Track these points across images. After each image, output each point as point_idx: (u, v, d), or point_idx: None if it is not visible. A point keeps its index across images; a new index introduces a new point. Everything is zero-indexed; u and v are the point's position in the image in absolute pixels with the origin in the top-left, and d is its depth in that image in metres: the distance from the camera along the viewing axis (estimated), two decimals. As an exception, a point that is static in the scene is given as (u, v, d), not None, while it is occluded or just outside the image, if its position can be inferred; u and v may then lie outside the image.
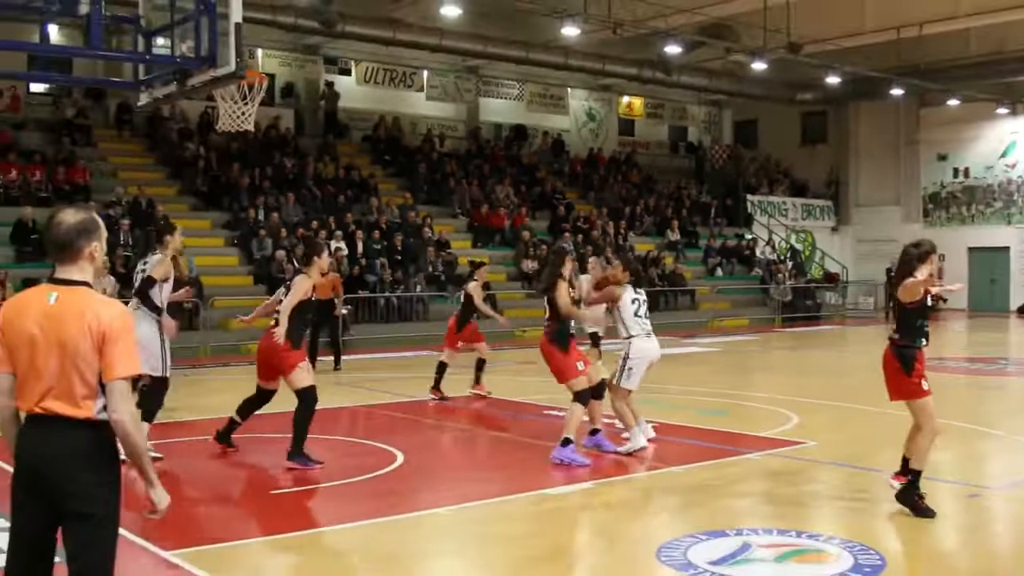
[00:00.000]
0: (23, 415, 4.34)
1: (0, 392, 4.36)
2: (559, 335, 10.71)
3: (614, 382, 10.96)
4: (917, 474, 8.27)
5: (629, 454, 10.75)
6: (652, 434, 11.45)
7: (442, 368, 15.35)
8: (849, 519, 8.28)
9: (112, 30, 16.86)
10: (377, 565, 7.18)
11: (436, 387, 15.21)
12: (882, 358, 8.54)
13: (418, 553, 7.56)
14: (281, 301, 10.72)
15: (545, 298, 10.80)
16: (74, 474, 4.19)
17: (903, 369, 8.34)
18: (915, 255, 8.48)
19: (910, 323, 8.42)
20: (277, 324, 10.41)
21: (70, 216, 4.39)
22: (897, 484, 8.45)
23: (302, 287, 10.59)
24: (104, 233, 4.47)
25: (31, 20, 12.16)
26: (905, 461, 8.53)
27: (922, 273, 8.32)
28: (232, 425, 11.11)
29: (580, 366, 10.69)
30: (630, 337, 11.09)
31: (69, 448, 4.21)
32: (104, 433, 4.26)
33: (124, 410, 4.22)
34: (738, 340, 27.54)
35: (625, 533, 7.95)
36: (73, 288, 4.31)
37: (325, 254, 11.05)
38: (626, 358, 11.00)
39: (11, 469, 4.37)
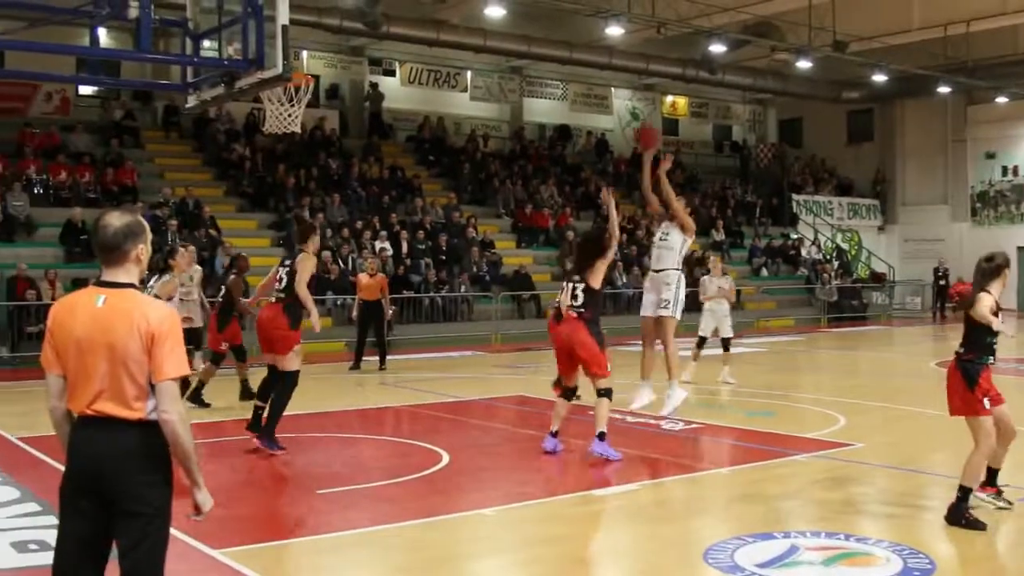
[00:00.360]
0: (74, 416, 4.37)
1: (52, 394, 4.42)
2: (597, 328, 10.66)
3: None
4: (966, 491, 8.02)
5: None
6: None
7: None
8: (898, 522, 8.22)
9: (160, 33, 17.02)
10: (424, 565, 7.20)
11: None
12: (947, 371, 8.34)
13: (465, 554, 7.58)
14: (281, 279, 10.97)
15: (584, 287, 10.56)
16: (127, 474, 4.23)
17: (967, 384, 8.16)
18: (987, 270, 8.21)
19: (979, 339, 8.23)
20: (278, 301, 10.82)
21: (116, 219, 4.43)
22: (984, 496, 8.29)
23: (308, 265, 10.88)
24: (149, 235, 4.52)
25: (81, 24, 12.27)
26: (991, 472, 8.38)
27: (995, 289, 8.14)
28: (258, 412, 11.14)
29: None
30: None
31: (122, 449, 4.25)
32: (155, 433, 4.29)
33: (173, 410, 4.26)
34: (784, 340, 27.40)
35: (672, 535, 7.92)
36: (120, 290, 4.36)
37: (318, 234, 11.35)
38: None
39: (62, 468, 4.42)
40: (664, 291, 12.00)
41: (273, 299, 11.08)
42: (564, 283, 10.74)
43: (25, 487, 8.93)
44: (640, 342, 12.76)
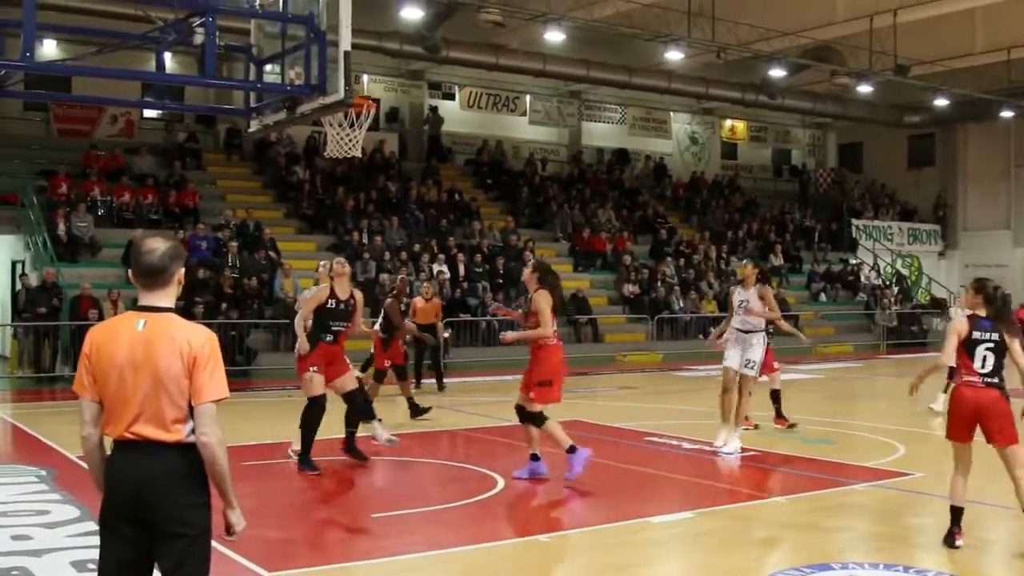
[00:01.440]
0: (110, 441, 4.40)
1: (87, 420, 4.44)
2: None
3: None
4: None
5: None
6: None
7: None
8: (958, 554, 8.09)
9: (224, 58, 17.25)
10: (479, 591, 7.21)
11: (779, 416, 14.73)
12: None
13: (519, 580, 7.57)
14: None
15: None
16: (167, 497, 4.25)
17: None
18: None
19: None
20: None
21: (160, 243, 4.48)
22: None
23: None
24: (185, 258, 4.58)
25: (147, 49, 12.47)
26: None
27: None
28: (351, 437, 11.61)
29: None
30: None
31: (162, 471, 4.27)
32: (194, 455, 4.31)
33: (212, 433, 4.28)
34: (842, 367, 27.14)
35: (728, 564, 7.87)
36: (161, 314, 4.39)
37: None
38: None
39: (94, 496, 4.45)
40: (749, 351, 12.59)
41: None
42: None
43: (85, 506, 9.03)
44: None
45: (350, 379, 11.45)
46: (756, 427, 14.22)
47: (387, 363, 15.39)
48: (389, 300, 15.92)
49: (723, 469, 11.61)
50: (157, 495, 4.24)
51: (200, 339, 4.34)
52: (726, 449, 12.29)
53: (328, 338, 11.19)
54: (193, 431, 4.30)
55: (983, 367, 8.09)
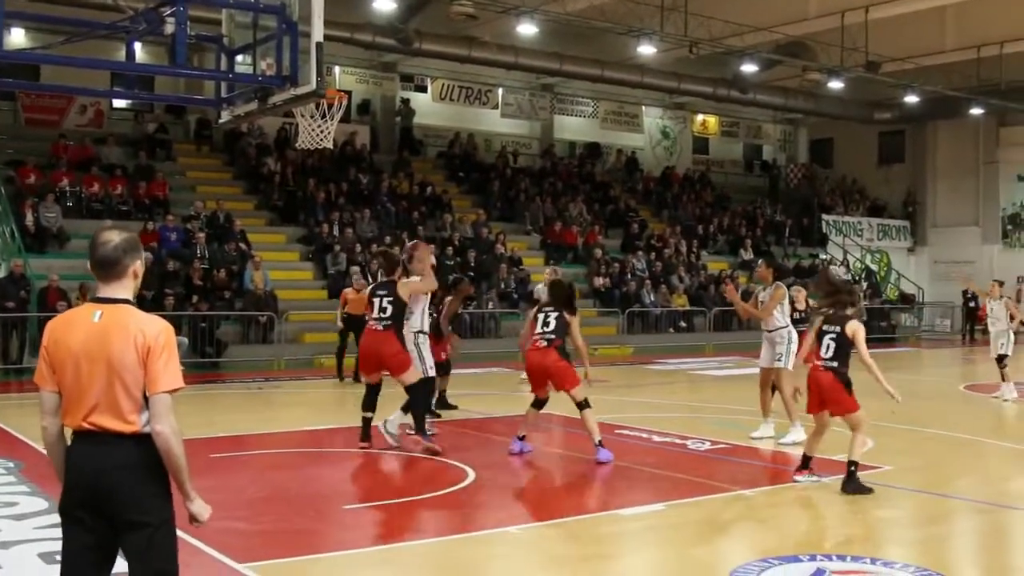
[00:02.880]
0: (69, 432, 4.42)
1: (47, 411, 4.45)
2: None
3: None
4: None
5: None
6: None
7: None
8: (925, 546, 8.16)
9: (195, 48, 17.15)
10: (448, 582, 7.22)
11: None
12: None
13: (489, 572, 7.58)
14: (385, 309, 11.82)
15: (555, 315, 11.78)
16: (127, 486, 4.27)
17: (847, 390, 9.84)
18: None
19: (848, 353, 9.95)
20: (385, 329, 11.69)
21: (115, 235, 4.53)
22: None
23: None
24: (142, 252, 4.61)
25: (116, 38, 12.38)
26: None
27: None
28: (367, 421, 11.97)
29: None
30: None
31: (120, 462, 4.29)
32: (151, 445, 4.31)
33: (167, 423, 4.28)
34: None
35: (697, 556, 7.90)
36: (116, 306, 4.41)
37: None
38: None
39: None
40: (777, 346, 12.92)
41: (381, 327, 11.70)
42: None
43: (52, 498, 8.96)
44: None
45: None
46: None
47: (443, 355, 15.18)
48: (452, 297, 15.88)
49: (693, 462, 11.65)
50: (115, 485, 4.26)
51: (154, 329, 4.35)
52: (787, 439, 12.60)
53: None
54: (149, 421, 4.32)
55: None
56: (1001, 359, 17.80)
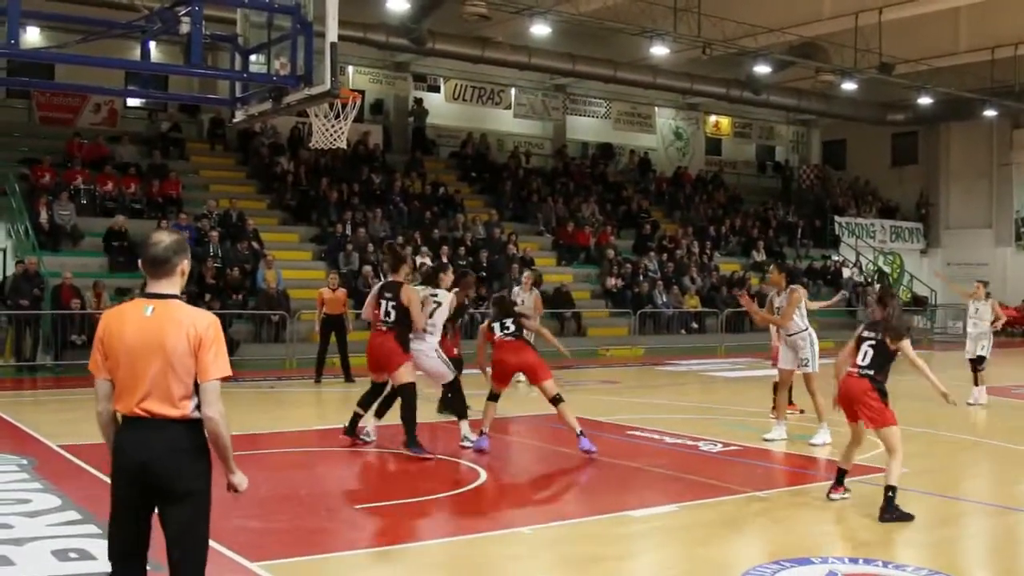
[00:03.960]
0: (120, 416, 4.85)
1: (99, 397, 4.89)
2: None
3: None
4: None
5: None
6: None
7: None
8: (936, 549, 8.16)
9: (209, 47, 17.20)
10: (461, 582, 7.23)
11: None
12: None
13: (502, 572, 7.59)
14: (389, 313, 11.77)
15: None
16: (177, 466, 4.73)
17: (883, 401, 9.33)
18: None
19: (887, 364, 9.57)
20: (388, 329, 11.73)
21: (166, 236, 4.95)
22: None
23: (414, 296, 11.88)
24: (189, 253, 5.03)
25: (132, 37, 12.42)
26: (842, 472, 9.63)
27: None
28: (356, 417, 12.15)
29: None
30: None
31: (169, 444, 4.73)
32: (197, 429, 4.80)
33: (216, 409, 4.77)
34: (824, 363, 27.10)
35: (709, 558, 7.90)
36: (167, 301, 4.84)
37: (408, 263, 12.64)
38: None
39: (101, 477, 4.72)
40: (801, 351, 13.02)
41: (383, 328, 11.75)
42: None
43: (66, 495, 9.02)
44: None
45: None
46: (802, 412, 14.82)
47: (456, 351, 15.19)
48: (456, 291, 15.84)
49: (705, 463, 11.64)
50: (164, 466, 4.71)
51: (205, 322, 4.81)
52: (815, 440, 12.64)
53: None
54: (197, 407, 4.77)
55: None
56: (980, 361, 17.50)
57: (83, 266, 23.31)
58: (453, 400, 12.49)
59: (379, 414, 12.23)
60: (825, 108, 38.20)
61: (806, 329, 12.97)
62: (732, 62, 32.59)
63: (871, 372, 9.27)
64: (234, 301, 23.67)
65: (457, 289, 12.89)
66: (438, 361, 12.07)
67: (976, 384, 17.36)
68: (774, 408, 14.02)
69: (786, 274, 13.27)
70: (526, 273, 20.89)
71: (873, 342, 9.34)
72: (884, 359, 9.32)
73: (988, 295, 18.10)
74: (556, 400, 11.82)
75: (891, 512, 8.75)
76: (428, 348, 11.99)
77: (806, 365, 12.90)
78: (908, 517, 8.76)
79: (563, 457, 12.08)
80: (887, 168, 44.59)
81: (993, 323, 17.61)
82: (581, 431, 11.70)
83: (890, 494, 8.82)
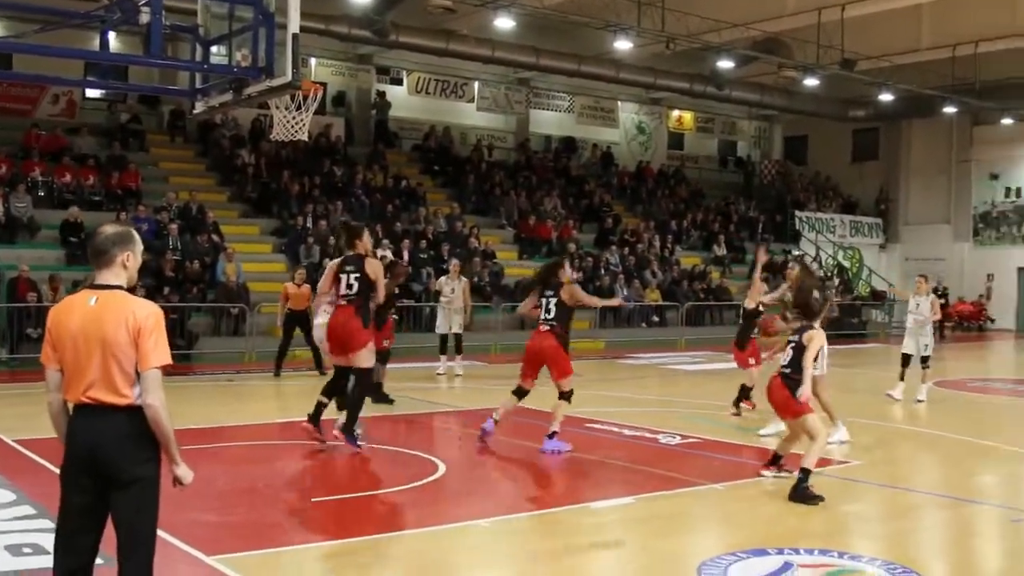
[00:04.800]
0: (71, 406, 4.95)
1: (51, 387, 5.00)
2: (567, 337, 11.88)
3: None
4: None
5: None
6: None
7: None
8: (892, 540, 8.24)
9: (169, 38, 17.06)
10: (419, 575, 7.22)
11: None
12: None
13: (459, 564, 7.59)
14: (351, 285, 11.47)
15: (555, 300, 11.84)
16: (123, 452, 4.81)
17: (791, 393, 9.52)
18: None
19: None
20: (349, 304, 11.39)
21: (109, 228, 5.09)
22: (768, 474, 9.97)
23: (377, 266, 11.73)
24: (139, 246, 5.11)
25: (91, 28, 12.32)
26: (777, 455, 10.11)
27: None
28: (320, 407, 11.63)
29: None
30: None
31: (116, 431, 4.82)
32: (143, 416, 4.85)
33: (156, 398, 4.83)
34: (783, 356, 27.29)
35: (666, 549, 7.94)
36: (110, 291, 4.94)
37: (367, 234, 12.24)
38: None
39: (56, 471, 4.84)
40: None
41: (344, 303, 11.39)
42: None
43: (20, 490, 8.95)
44: None
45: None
46: (753, 407, 14.37)
47: (385, 342, 15.00)
48: (387, 282, 15.74)
49: (663, 456, 11.70)
50: (112, 452, 4.80)
51: (144, 312, 4.89)
52: (833, 438, 12.32)
53: None
54: (141, 395, 4.83)
55: None
56: (925, 360, 17.08)
57: (40, 259, 23.07)
58: (358, 376, 11.64)
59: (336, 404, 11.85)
60: (787, 104, 38.40)
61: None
62: (695, 57, 32.70)
63: (788, 370, 9.66)
64: (193, 294, 23.53)
65: (387, 281, 12.50)
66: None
67: (922, 381, 17.03)
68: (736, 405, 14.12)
69: (807, 273, 13.15)
70: (454, 261, 20.89)
71: (794, 343, 9.75)
72: (799, 355, 9.66)
73: (928, 291, 17.77)
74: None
75: (799, 492, 9.13)
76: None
77: (815, 369, 12.66)
78: (816, 500, 9.06)
79: (523, 450, 12.09)
80: (848, 164, 44.92)
81: (933, 318, 17.30)
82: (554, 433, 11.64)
83: (801, 476, 9.21)
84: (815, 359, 9.66)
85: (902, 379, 17.02)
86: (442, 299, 20.12)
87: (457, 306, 19.85)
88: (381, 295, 11.56)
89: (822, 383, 12.64)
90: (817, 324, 9.80)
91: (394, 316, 20.39)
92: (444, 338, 20.06)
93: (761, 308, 13.93)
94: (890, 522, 8.96)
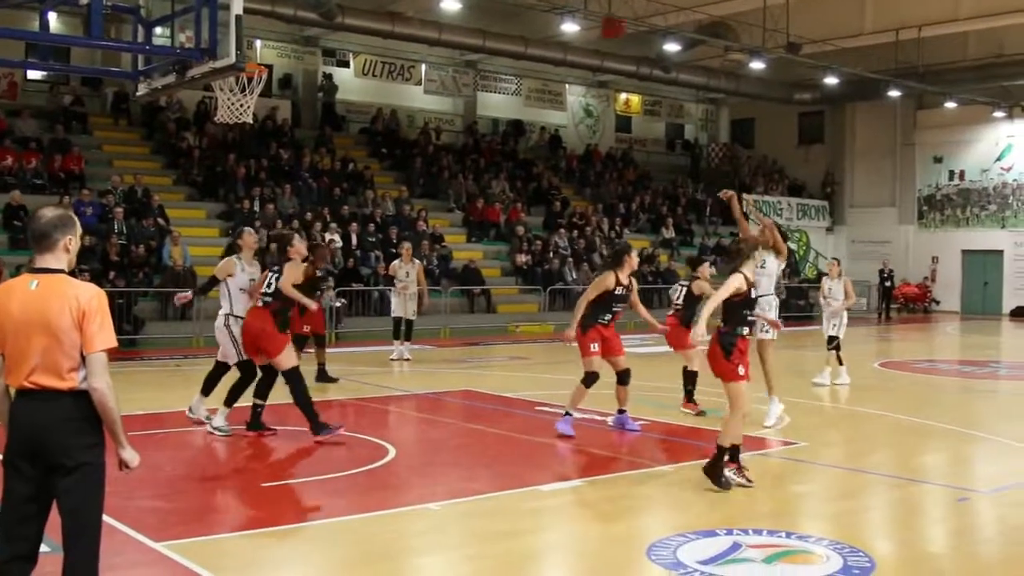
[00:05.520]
0: (13, 391, 4.91)
1: None
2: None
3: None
4: (723, 451, 9.03)
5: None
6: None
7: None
8: (839, 520, 8.31)
9: (112, 19, 16.84)
10: (367, 559, 7.19)
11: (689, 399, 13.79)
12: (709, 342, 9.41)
13: (408, 548, 7.57)
14: (270, 285, 11.32)
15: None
16: (65, 438, 4.77)
17: (724, 354, 9.23)
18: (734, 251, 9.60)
19: (734, 313, 9.30)
20: (264, 306, 11.24)
21: (49, 211, 5.01)
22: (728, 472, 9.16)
23: (295, 269, 11.38)
24: (79, 229, 5.07)
25: (30, 8, 12.14)
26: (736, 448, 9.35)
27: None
28: (257, 409, 11.50)
29: (594, 347, 11.60)
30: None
31: (59, 416, 4.77)
32: (87, 401, 4.81)
33: (102, 381, 4.80)
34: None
35: (615, 531, 7.97)
36: (51, 275, 4.89)
37: (297, 239, 11.84)
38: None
39: None
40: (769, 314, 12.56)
41: (261, 304, 11.32)
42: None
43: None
44: None
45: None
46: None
47: (306, 328, 15.03)
48: (306, 265, 15.54)
49: (611, 439, 11.74)
50: (55, 437, 4.76)
51: (88, 294, 4.84)
52: (770, 415, 12.57)
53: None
54: (86, 379, 4.79)
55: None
56: (831, 340, 17.14)
57: (-19, 242, 22.79)
58: (213, 374, 11.71)
59: (228, 402, 11.50)
60: (734, 87, 38.58)
61: (773, 294, 13.04)
62: (642, 40, 32.74)
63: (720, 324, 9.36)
64: (139, 279, 23.30)
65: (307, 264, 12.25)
66: (227, 337, 11.54)
67: (839, 364, 17.05)
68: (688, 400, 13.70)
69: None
70: (405, 245, 20.67)
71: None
72: (733, 308, 9.33)
73: (840, 274, 17.90)
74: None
75: (714, 470, 9.00)
76: (220, 321, 11.60)
77: (765, 332, 12.62)
78: (725, 486, 8.92)
79: (472, 433, 12.09)
80: (794, 147, 45.24)
81: (845, 301, 17.33)
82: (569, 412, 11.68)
83: (717, 453, 9.03)
84: (745, 311, 9.39)
85: (840, 363, 17.16)
86: (397, 283, 19.91)
87: (412, 291, 19.59)
88: (287, 292, 11.26)
89: (771, 347, 12.73)
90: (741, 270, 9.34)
91: (337, 302, 20.33)
92: (398, 322, 19.89)
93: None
94: (838, 502, 9.05)
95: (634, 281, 11.91)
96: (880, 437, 12.54)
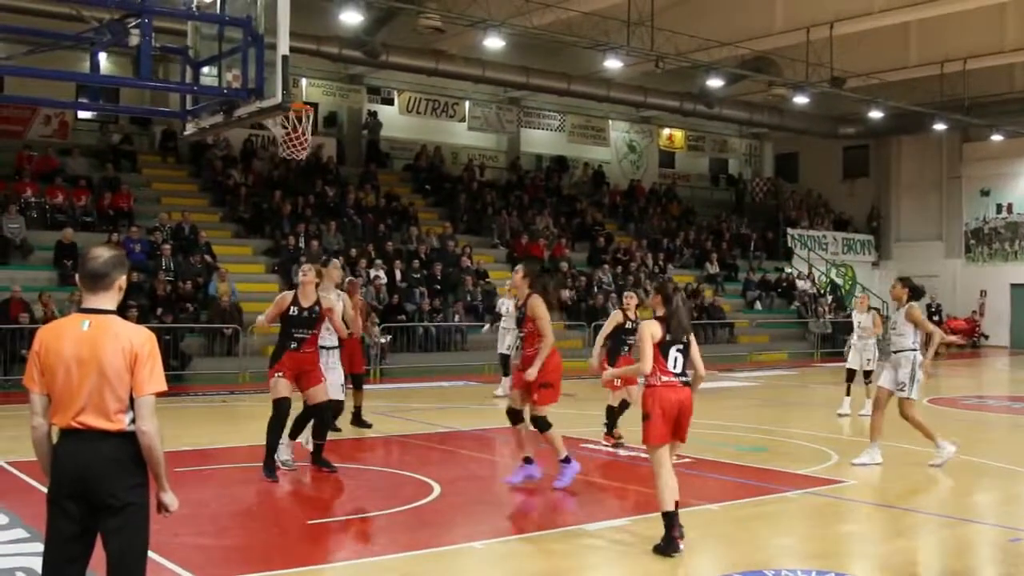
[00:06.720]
0: (57, 430, 4.89)
1: (35, 411, 4.92)
2: None
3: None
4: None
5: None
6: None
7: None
8: (888, 560, 8.20)
9: (160, 59, 17.07)
10: (413, 598, 7.19)
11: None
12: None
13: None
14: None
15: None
16: (110, 479, 4.77)
17: None
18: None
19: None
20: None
21: (105, 251, 5.00)
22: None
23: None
24: (128, 268, 5.09)
25: (81, 49, 12.31)
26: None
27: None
28: (318, 448, 11.42)
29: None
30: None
31: (105, 457, 4.78)
32: (132, 442, 4.83)
33: (151, 424, 4.82)
34: (777, 374, 27.37)
35: (661, 571, 7.90)
36: (104, 316, 4.89)
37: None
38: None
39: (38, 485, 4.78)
40: (899, 372, 12.33)
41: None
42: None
43: (14, 513, 8.89)
44: None
45: (321, 391, 11.21)
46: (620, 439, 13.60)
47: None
48: None
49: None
50: (101, 477, 4.74)
51: (141, 338, 4.86)
52: (858, 460, 12.29)
53: (292, 345, 11.05)
54: (133, 421, 4.81)
55: (675, 367, 8.37)
56: (868, 375, 17.23)
57: (32, 280, 23.06)
58: (317, 425, 11.53)
59: (292, 435, 11.57)
60: (777, 121, 38.50)
61: (913, 350, 12.30)
62: (685, 75, 32.80)
63: (687, 379, 8.49)
64: (186, 314, 23.49)
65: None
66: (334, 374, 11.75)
67: (868, 397, 16.71)
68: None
69: (910, 290, 12.42)
70: (513, 277, 20.46)
71: (680, 346, 8.40)
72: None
73: (869, 308, 18.19)
74: None
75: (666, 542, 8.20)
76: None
77: (903, 390, 12.22)
78: (673, 549, 8.10)
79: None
80: (839, 181, 45.04)
81: (875, 331, 17.67)
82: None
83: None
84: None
85: (848, 394, 17.34)
86: (503, 319, 19.90)
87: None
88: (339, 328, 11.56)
89: (906, 407, 12.28)
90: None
91: (382, 338, 20.32)
92: (505, 358, 19.74)
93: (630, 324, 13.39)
94: (886, 542, 8.93)
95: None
96: (930, 475, 12.39)
